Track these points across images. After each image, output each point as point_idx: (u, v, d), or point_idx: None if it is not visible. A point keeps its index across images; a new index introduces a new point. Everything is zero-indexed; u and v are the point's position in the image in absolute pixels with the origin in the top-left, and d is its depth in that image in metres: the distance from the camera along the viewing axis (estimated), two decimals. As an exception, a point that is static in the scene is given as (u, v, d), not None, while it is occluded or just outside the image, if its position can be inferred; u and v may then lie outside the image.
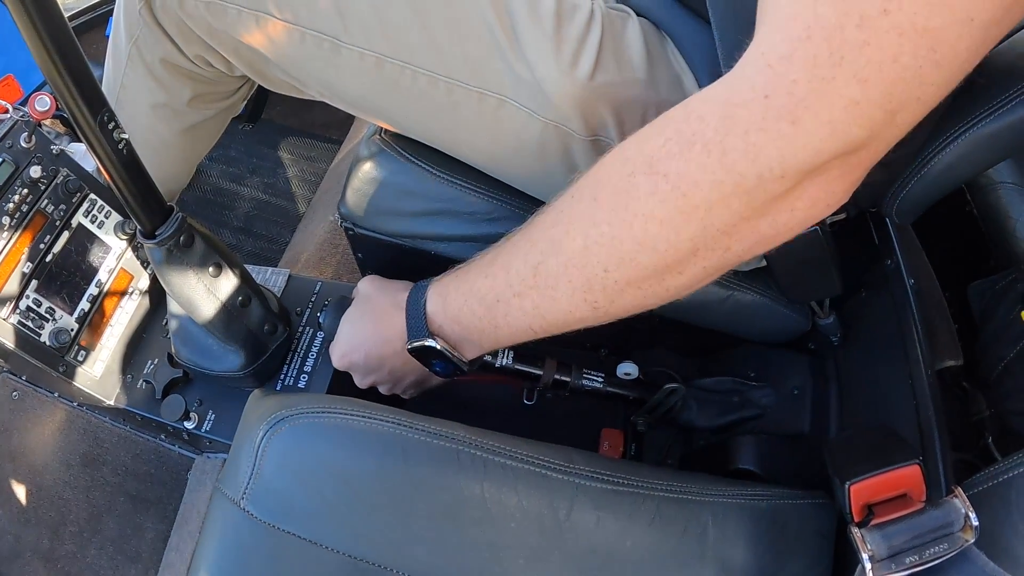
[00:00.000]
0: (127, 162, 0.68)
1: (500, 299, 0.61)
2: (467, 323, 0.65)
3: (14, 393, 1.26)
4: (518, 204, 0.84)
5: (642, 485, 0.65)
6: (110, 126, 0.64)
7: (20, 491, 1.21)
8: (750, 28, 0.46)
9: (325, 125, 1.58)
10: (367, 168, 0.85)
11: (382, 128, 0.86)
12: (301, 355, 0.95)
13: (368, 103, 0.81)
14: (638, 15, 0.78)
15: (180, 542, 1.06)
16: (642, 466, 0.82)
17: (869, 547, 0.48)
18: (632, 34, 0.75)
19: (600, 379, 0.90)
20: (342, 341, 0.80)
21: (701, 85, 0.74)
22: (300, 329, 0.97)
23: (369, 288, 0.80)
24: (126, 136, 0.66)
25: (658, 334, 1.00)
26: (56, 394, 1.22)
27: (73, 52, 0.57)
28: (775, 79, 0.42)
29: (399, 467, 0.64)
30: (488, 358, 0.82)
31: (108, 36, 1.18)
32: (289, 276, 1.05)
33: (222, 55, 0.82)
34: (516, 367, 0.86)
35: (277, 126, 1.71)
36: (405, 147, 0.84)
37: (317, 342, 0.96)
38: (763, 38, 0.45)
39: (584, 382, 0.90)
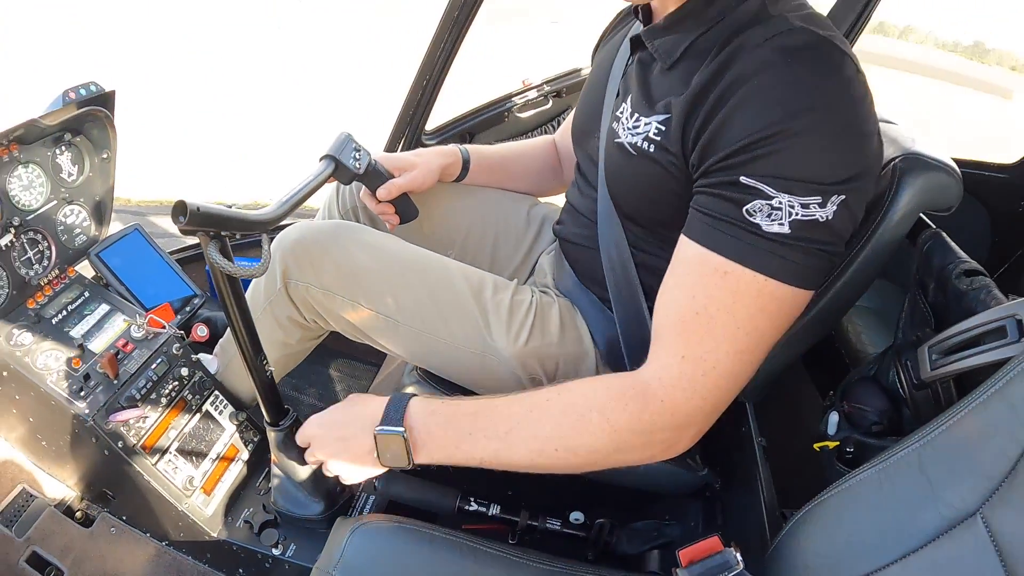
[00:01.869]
0: (268, 381, 1.18)
1: (472, 434, 0.93)
2: (436, 435, 0.95)
3: (112, 529, 1.64)
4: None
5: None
6: (263, 362, 1.15)
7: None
8: (637, 324, 1.02)
9: (367, 351, 2.10)
10: (408, 391, 1.26)
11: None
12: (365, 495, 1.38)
13: (409, 352, 1.27)
14: (562, 295, 1.31)
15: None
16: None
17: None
18: (554, 313, 1.23)
19: (558, 523, 1.34)
20: (321, 415, 1.10)
21: (597, 344, 1.23)
22: None
23: (356, 396, 1.10)
24: (271, 369, 1.17)
25: (599, 490, 1.42)
26: (148, 533, 1.60)
27: (252, 334, 1.09)
28: (664, 389, 0.85)
29: (455, 561, 1.04)
30: (481, 509, 1.28)
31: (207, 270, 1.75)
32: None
33: (328, 320, 1.30)
34: (503, 516, 1.31)
35: (329, 350, 2.17)
36: (429, 377, 1.32)
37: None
38: (655, 362, 0.87)
39: (548, 525, 1.34)
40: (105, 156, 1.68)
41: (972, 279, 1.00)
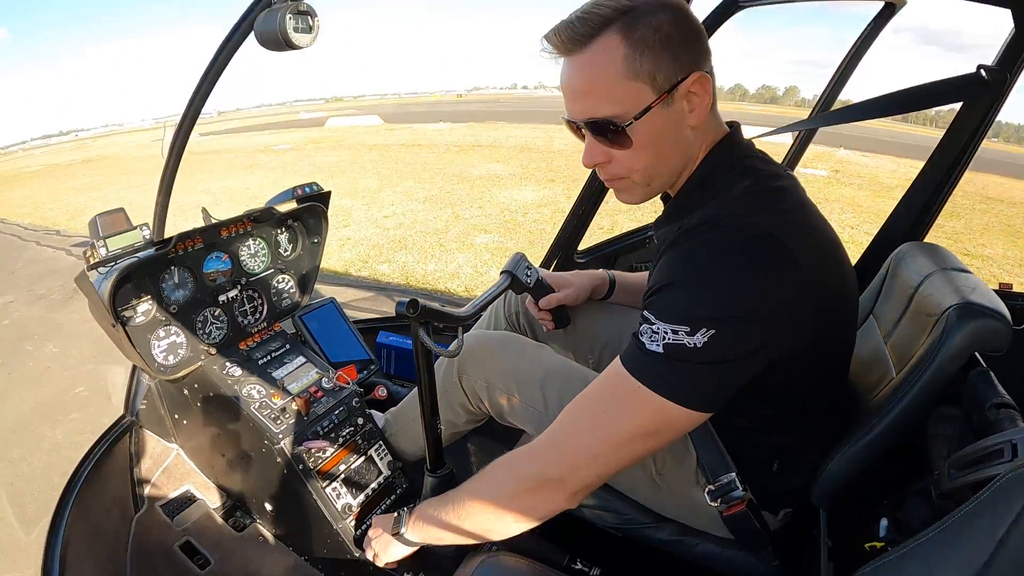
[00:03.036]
0: (437, 436, 1.50)
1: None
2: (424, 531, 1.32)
3: (259, 537, 1.97)
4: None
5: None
6: (436, 421, 1.48)
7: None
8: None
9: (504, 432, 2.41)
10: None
11: None
12: None
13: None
14: None
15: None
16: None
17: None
18: None
19: None
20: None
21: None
22: None
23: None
24: (441, 428, 1.51)
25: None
26: (291, 547, 1.92)
27: (434, 399, 1.44)
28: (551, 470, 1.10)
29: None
30: (585, 569, 1.53)
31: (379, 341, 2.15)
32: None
33: (488, 407, 1.57)
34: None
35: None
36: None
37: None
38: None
39: None
40: (316, 240, 2.12)
41: (1000, 411, 1.17)
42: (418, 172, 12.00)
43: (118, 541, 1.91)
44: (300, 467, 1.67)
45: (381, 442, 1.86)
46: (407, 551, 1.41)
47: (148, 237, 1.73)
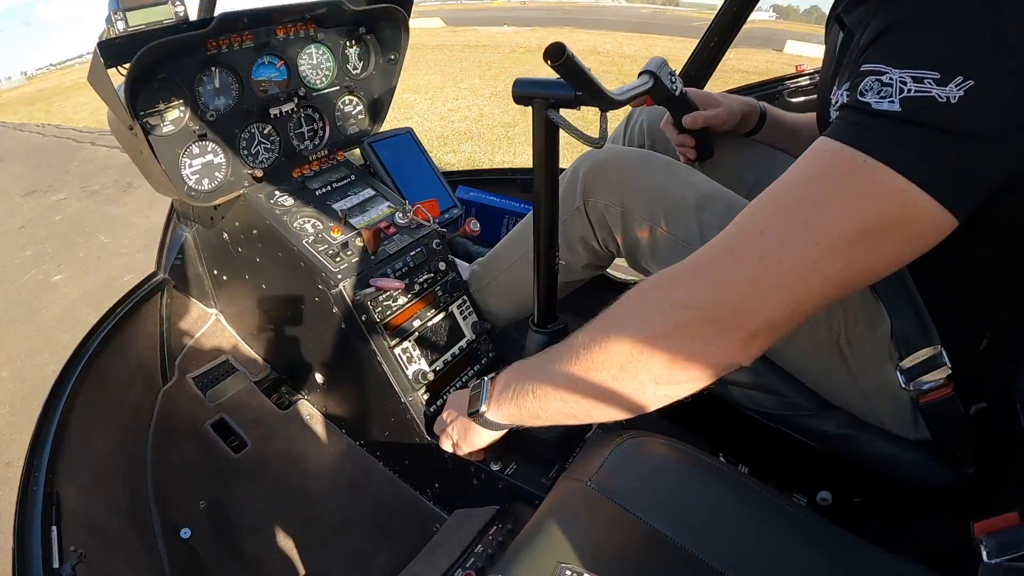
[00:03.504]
0: (552, 277, 1.13)
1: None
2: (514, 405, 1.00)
3: (307, 416, 1.60)
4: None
5: None
6: (554, 255, 1.11)
7: (287, 486, 1.51)
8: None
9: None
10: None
11: None
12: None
13: None
14: None
15: (419, 567, 1.29)
16: None
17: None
18: None
19: (804, 499, 1.19)
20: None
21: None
22: None
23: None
24: (561, 264, 1.13)
25: (848, 473, 1.21)
26: (344, 430, 1.55)
27: (554, 222, 1.08)
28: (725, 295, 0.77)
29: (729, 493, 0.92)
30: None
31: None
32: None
33: (619, 242, 1.24)
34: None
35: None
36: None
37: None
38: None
39: (794, 498, 1.19)
40: (392, 58, 1.69)
41: None
42: (483, 70, 11.51)
43: (139, 416, 1.63)
44: (363, 318, 1.28)
45: (465, 297, 1.47)
46: (491, 436, 1.12)
47: (182, 14, 1.33)
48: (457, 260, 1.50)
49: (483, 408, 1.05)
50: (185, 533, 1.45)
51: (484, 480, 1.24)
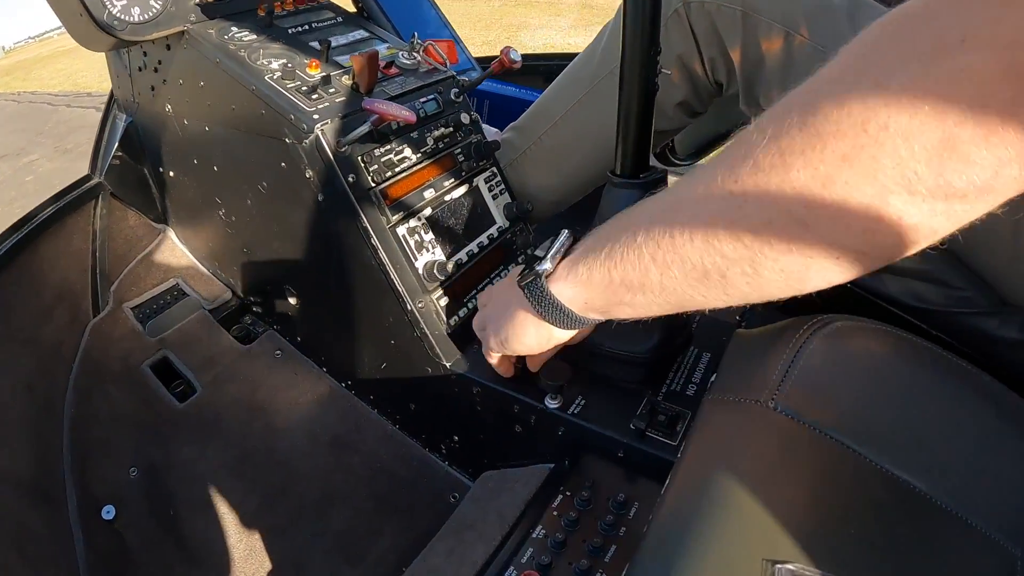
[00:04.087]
0: (651, 96, 0.70)
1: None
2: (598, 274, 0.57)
3: (277, 352, 1.17)
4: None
5: None
6: (649, 73, 0.68)
7: (248, 446, 1.08)
8: None
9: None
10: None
11: None
12: (688, 368, 0.82)
13: None
14: None
15: (445, 552, 0.87)
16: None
17: None
18: None
19: None
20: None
21: None
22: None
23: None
24: (660, 78, 0.70)
25: None
26: (325, 369, 1.12)
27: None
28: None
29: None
30: None
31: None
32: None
33: (734, 55, 0.87)
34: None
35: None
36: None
37: (703, 360, 0.83)
38: None
39: None
40: None
41: None
42: (473, 22, 10.86)
43: (57, 357, 1.22)
44: (351, 179, 0.84)
45: (495, 169, 1.03)
46: (554, 335, 0.68)
47: None
48: (485, 127, 1.07)
49: (547, 267, 0.63)
50: (108, 512, 1.05)
51: (535, 425, 0.81)
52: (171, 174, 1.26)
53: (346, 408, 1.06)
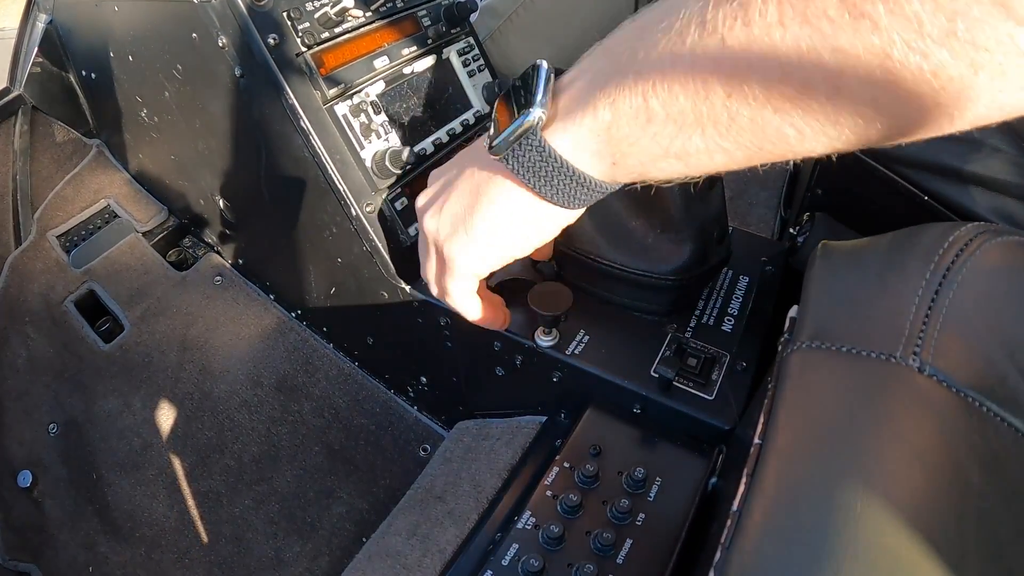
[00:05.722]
0: None
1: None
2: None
3: (217, 278, 0.98)
4: None
5: None
6: None
7: (178, 391, 0.90)
8: None
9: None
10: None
11: None
12: (722, 296, 0.63)
13: None
14: None
15: (408, 530, 0.69)
16: None
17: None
18: None
19: None
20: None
21: None
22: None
23: None
24: None
25: None
26: (272, 296, 0.93)
27: None
28: None
29: None
30: None
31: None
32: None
33: None
34: None
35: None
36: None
37: (741, 286, 0.64)
38: None
39: None
40: None
41: None
42: None
43: None
44: (272, 40, 0.63)
45: (472, 40, 0.81)
46: (554, 227, 0.43)
47: None
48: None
49: (538, 113, 0.38)
50: (24, 479, 0.90)
51: (521, 368, 0.62)
52: (92, 76, 1.06)
53: (295, 343, 0.88)
